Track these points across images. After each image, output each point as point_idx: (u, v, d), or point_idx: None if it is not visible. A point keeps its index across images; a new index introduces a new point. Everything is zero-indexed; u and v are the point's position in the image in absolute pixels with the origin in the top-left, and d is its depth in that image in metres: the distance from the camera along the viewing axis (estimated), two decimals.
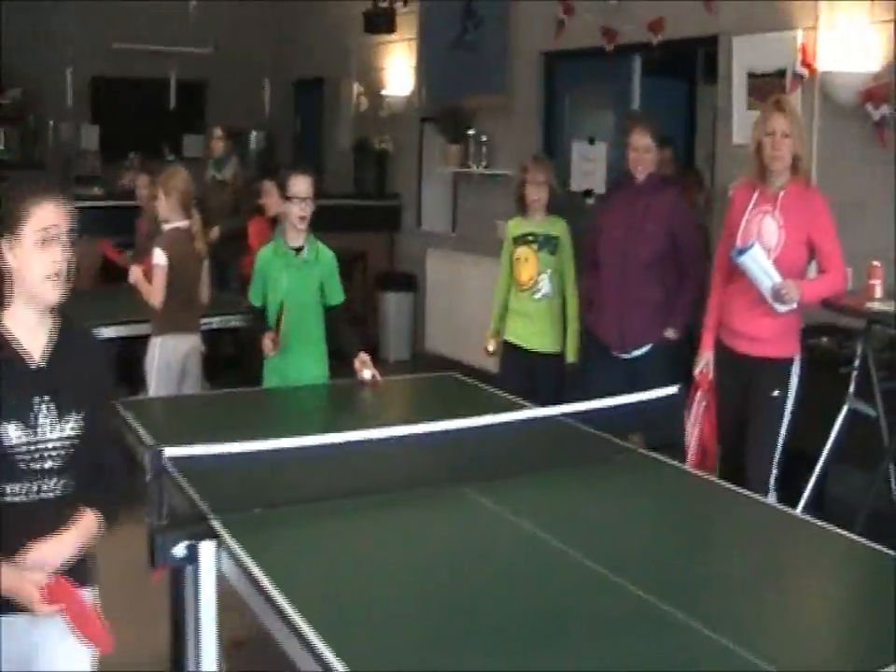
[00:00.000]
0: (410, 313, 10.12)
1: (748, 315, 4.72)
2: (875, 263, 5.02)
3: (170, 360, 5.75)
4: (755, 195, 4.68)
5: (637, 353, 5.49)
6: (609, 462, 3.71)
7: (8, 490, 2.61)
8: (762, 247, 4.53)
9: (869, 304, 4.90)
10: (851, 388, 4.98)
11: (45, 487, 2.65)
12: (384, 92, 10.42)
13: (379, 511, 3.17)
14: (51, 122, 12.55)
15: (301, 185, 4.92)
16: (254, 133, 12.81)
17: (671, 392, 3.85)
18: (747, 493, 3.55)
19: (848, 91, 5.67)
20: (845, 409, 5.01)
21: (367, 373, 4.75)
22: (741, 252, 4.54)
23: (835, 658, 2.36)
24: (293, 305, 4.90)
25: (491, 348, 6.22)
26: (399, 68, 10.30)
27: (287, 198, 4.94)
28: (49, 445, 2.64)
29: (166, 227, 5.87)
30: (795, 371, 4.71)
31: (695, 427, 4.80)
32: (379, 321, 10.08)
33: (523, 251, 5.93)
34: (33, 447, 2.61)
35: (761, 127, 4.63)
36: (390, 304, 10.02)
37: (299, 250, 4.97)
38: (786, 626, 2.46)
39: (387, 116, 10.41)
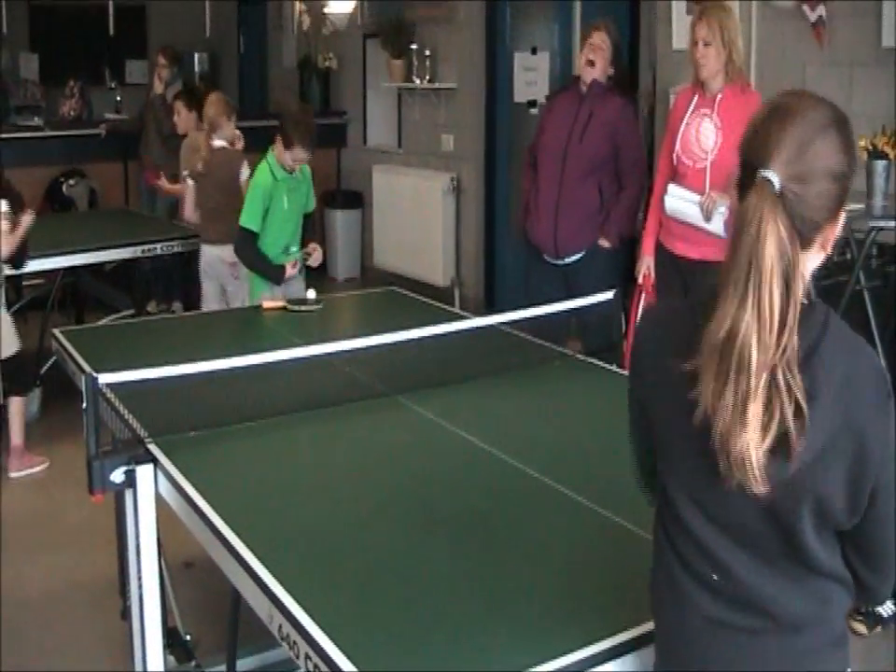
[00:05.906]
0: (357, 229, 10.07)
1: None
2: None
3: (205, 267, 6.04)
4: (695, 99, 4.79)
5: (571, 259, 5.39)
6: (547, 368, 3.75)
7: None
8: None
9: None
10: None
11: None
12: (326, 10, 10.27)
13: (315, 423, 3.21)
14: None
15: (304, 158, 5.21)
16: (196, 55, 12.63)
17: (607, 297, 3.87)
18: None
19: None
20: None
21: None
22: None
23: None
24: (291, 222, 5.26)
25: None
26: None
27: (289, 148, 5.12)
28: None
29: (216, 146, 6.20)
30: None
31: None
32: (327, 239, 10.01)
33: None
34: None
35: (690, 35, 4.74)
36: (337, 221, 9.96)
37: (291, 171, 5.25)
38: None
39: (331, 33, 10.28)
